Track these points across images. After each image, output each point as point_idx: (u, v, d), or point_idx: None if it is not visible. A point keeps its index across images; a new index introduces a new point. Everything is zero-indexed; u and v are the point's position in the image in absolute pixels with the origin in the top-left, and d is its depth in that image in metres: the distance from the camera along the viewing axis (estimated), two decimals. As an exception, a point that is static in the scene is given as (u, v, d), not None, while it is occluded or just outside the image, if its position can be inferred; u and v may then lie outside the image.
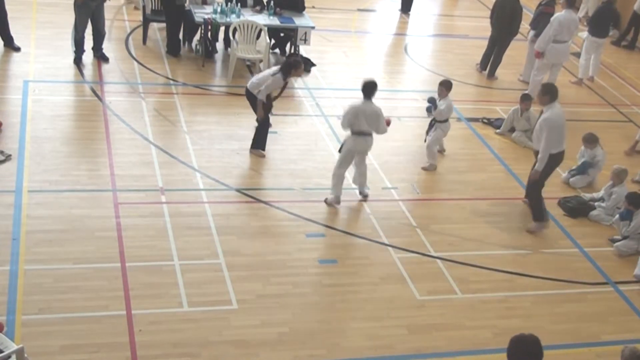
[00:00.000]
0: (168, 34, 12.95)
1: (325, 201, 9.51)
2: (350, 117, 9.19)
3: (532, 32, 13.73)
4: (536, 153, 9.44)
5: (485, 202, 10.12)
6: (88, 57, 12.43)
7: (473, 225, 9.56)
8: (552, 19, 12.86)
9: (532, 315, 8.14)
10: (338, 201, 9.49)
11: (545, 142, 9.09)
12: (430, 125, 10.77)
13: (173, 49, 12.93)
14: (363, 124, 9.20)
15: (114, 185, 9.26)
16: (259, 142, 10.42)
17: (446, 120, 10.69)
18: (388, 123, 9.46)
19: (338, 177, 9.48)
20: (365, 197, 9.75)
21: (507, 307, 8.21)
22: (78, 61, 12.19)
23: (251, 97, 10.23)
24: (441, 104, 10.56)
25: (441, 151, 11.03)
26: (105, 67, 12.23)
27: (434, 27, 17.02)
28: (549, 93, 9.18)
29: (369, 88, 9.22)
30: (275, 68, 10.19)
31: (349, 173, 9.76)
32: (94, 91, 11.44)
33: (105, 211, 8.76)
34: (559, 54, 12.99)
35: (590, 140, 10.79)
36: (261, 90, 10.01)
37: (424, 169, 10.61)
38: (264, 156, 10.35)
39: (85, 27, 12.06)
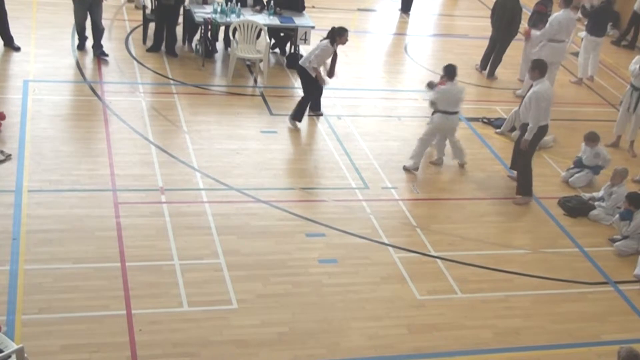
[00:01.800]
0: (154, 31, 12.95)
1: (404, 167, 10.46)
2: (440, 98, 10.26)
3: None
4: (522, 125, 10.04)
5: (485, 202, 10.12)
6: (88, 56, 12.45)
7: (473, 225, 9.57)
8: (550, 18, 12.85)
9: (532, 315, 8.15)
10: (416, 167, 10.46)
11: (535, 112, 9.68)
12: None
13: (158, 46, 12.94)
14: (452, 104, 10.28)
15: (114, 185, 9.26)
16: (297, 113, 11.23)
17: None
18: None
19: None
20: (462, 165, 10.77)
21: (507, 306, 8.22)
22: (81, 47, 12.66)
23: (302, 72, 11.14)
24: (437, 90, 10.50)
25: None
26: (105, 66, 12.23)
27: (434, 26, 17.02)
28: (538, 67, 9.80)
29: (452, 70, 10.28)
30: (323, 39, 11.12)
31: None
32: (94, 91, 11.44)
33: (105, 211, 8.76)
34: (557, 53, 12.98)
35: (592, 139, 10.79)
36: (311, 60, 10.93)
37: (404, 168, 10.46)
38: (297, 128, 11.18)
39: (83, 19, 12.33)
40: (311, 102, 11.39)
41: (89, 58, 12.46)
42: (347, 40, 11.09)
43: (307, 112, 11.40)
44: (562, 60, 13.46)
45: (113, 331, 7.07)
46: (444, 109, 10.31)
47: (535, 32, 13.09)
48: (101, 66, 12.24)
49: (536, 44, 13.74)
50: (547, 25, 12.79)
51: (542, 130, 9.97)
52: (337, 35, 10.91)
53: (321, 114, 11.60)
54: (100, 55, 12.44)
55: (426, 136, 10.47)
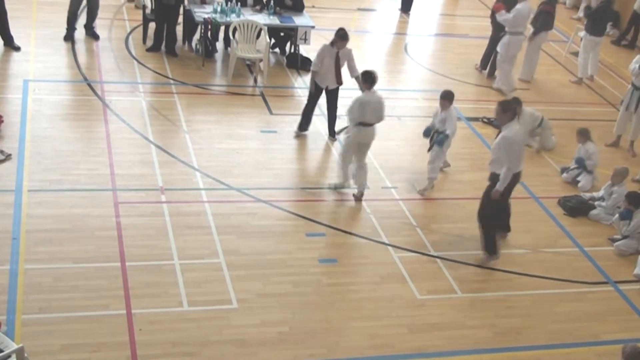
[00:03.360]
0: (155, 31, 12.96)
1: (329, 185, 9.85)
2: (356, 109, 9.27)
3: (531, 30, 13.76)
4: (491, 175, 8.62)
5: (485, 202, 10.11)
6: (88, 56, 12.45)
7: (473, 224, 9.52)
8: (513, 9, 13.00)
9: (532, 314, 8.15)
10: (342, 186, 9.81)
11: (506, 160, 8.35)
12: (432, 138, 10.02)
13: (158, 46, 12.95)
14: (368, 115, 9.30)
15: (114, 184, 9.26)
16: (300, 122, 10.94)
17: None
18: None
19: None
20: (360, 196, 9.66)
21: (507, 306, 8.22)
22: (68, 38, 12.80)
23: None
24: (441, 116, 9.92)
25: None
26: (105, 66, 12.23)
27: (434, 26, 17.01)
28: (510, 110, 8.49)
29: (371, 77, 9.37)
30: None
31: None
32: (94, 90, 11.44)
33: (105, 210, 8.76)
34: (518, 45, 13.17)
35: (582, 134, 10.87)
36: (314, 61, 10.65)
37: (419, 192, 10.00)
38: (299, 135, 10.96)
39: (77, 7, 12.63)
40: (328, 125, 11.02)
41: (89, 58, 12.46)
42: (346, 43, 10.59)
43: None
44: (518, 52, 13.45)
45: (113, 331, 7.07)
46: (360, 120, 9.32)
47: (502, 12, 13.09)
48: (101, 66, 12.24)
49: (538, 44, 13.76)
50: (512, 16, 12.91)
51: (515, 178, 8.61)
52: (337, 37, 10.46)
53: (334, 139, 11.04)
54: (92, 35, 12.87)
55: (344, 152, 9.71)
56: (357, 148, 9.54)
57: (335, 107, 10.91)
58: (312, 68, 10.80)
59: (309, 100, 10.95)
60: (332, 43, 10.56)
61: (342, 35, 10.49)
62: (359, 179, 9.65)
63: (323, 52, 10.60)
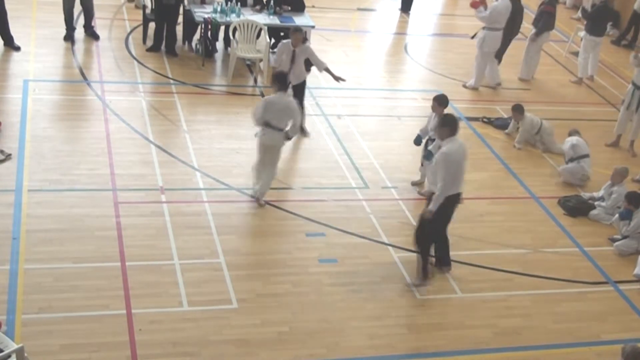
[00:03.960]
0: (154, 31, 12.96)
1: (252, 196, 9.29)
2: (260, 109, 8.91)
3: (532, 31, 13.77)
4: (430, 195, 8.26)
5: (485, 202, 10.12)
6: (88, 56, 12.44)
7: (473, 224, 9.56)
8: (490, 6, 13.07)
9: (532, 314, 8.14)
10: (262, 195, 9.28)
11: (442, 177, 7.86)
12: (426, 145, 9.69)
13: (158, 46, 12.94)
14: (271, 117, 8.91)
15: (114, 184, 9.26)
16: None
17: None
18: None
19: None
20: (256, 198, 9.25)
21: (507, 306, 8.22)
22: (68, 38, 12.87)
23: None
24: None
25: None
26: (105, 66, 12.23)
27: (434, 26, 17.01)
28: (448, 125, 7.98)
29: (282, 78, 9.08)
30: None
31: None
32: (94, 90, 11.44)
33: (105, 210, 8.76)
34: (496, 41, 13.17)
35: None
36: (274, 58, 10.73)
37: (420, 193, 9.89)
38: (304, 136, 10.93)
39: (71, 5, 12.68)
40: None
41: (89, 58, 12.46)
42: (300, 38, 10.44)
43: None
44: (497, 47, 13.42)
45: (113, 331, 7.07)
46: (264, 121, 8.95)
47: (481, 9, 13.10)
48: (101, 66, 12.24)
49: (540, 44, 13.75)
50: (489, 13, 12.94)
51: (452, 200, 8.04)
52: (291, 33, 10.48)
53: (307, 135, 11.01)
54: (91, 35, 12.92)
55: (258, 156, 9.25)
56: (263, 150, 9.12)
57: (301, 103, 10.76)
58: (271, 64, 10.89)
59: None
60: (289, 38, 10.59)
61: (294, 31, 10.49)
62: (261, 181, 9.23)
63: (281, 49, 10.64)
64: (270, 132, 8.98)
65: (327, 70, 10.65)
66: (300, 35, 10.51)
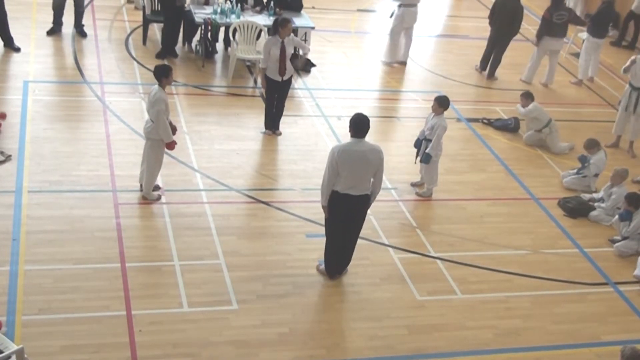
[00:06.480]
0: (164, 35, 12.92)
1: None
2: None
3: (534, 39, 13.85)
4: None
5: (485, 202, 10.12)
6: (89, 56, 12.45)
7: (473, 225, 9.57)
8: None
9: (532, 315, 8.15)
10: None
11: (326, 173, 7.58)
12: (420, 145, 9.79)
13: (168, 50, 12.91)
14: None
15: (114, 185, 9.26)
16: (265, 121, 10.83)
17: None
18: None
19: None
20: (144, 196, 9.03)
21: (507, 307, 8.22)
22: (52, 32, 13.01)
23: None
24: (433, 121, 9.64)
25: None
26: (105, 67, 12.23)
27: (435, 27, 17.01)
28: (351, 126, 7.82)
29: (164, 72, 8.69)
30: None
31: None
32: (93, 91, 11.44)
33: (105, 211, 8.76)
34: (412, 16, 13.69)
35: (591, 146, 10.75)
36: (262, 57, 10.55)
37: (418, 194, 9.96)
38: (275, 134, 10.90)
39: (60, 2, 12.81)
40: (266, 120, 10.88)
41: (89, 59, 12.46)
42: (290, 29, 10.41)
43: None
44: (414, 23, 13.81)
45: (113, 332, 7.07)
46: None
47: None
48: (101, 67, 12.24)
49: (543, 50, 13.74)
50: None
51: (341, 203, 7.63)
52: (279, 25, 10.36)
53: (278, 134, 10.98)
54: (80, 33, 13.03)
55: None
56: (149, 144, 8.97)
57: (283, 100, 10.84)
58: (260, 65, 10.76)
59: (267, 97, 10.89)
60: (274, 33, 10.42)
61: (281, 22, 10.41)
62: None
63: (268, 44, 10.45)
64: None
65: (305, 54, 10.97)
66: (290, 25, 10.52)
